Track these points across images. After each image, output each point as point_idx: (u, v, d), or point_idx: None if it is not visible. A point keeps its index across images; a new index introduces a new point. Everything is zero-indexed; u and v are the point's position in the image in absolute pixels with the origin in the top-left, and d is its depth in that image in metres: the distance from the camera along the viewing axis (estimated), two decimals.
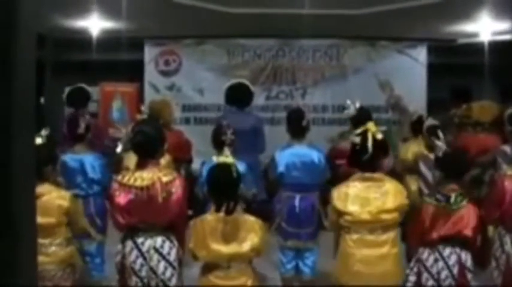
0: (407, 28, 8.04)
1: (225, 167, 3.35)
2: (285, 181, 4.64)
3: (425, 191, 4.92)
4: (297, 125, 4.67)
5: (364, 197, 3.56)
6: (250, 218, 3.42)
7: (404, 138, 6.18)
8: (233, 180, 3.34)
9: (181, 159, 5.64)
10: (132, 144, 3.52)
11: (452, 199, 3.50)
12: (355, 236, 3.56)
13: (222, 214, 3.34)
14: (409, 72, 8.74)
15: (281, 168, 4.62)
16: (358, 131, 3.62)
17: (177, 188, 3.40)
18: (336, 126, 8.37)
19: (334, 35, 8.58)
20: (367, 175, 3.61)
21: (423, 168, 5.19)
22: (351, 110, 4.90)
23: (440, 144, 3.60)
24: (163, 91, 8.55)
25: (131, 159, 4.16)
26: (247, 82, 5.97)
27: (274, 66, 8.71)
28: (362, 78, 8.70)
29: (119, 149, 3.64)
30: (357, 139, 3.60)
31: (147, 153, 3.47)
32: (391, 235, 3.55)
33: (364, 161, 3.58)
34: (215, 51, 8.66)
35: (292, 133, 4.73)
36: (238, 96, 5.79)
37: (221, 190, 3.36)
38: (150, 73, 8.67)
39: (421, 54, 8.81)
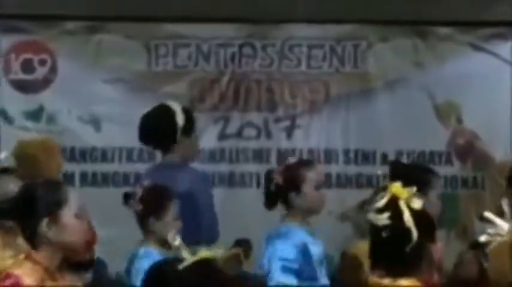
0: (486, 6, 7.95)
1: (211, 266, 3.33)
2: None
3: None
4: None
5: None
6: None
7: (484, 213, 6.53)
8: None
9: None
10: None
11: None
12: None
13: None
14: (492, 85, 8.25)
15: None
16: (384, 203, 3.55)
17: None
18: (354, 190, 7.98)
19: (348, 18, 8.21)
20: (388, 282, 3.55)
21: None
22: None
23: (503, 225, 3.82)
24: (20, 121, 8.12)
25: None
26: (172, 103, 5.90)
27: (236, 77, 8.33)
28: (402, 98, 8.28)
29: None
30: (385, 218, 3.53)
31: None
32: None
33: (393, 257, 3.55)
34: (124, 46, 8.23)
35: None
36: (150, 131, 5.87)
37: None
38: None
39: None
